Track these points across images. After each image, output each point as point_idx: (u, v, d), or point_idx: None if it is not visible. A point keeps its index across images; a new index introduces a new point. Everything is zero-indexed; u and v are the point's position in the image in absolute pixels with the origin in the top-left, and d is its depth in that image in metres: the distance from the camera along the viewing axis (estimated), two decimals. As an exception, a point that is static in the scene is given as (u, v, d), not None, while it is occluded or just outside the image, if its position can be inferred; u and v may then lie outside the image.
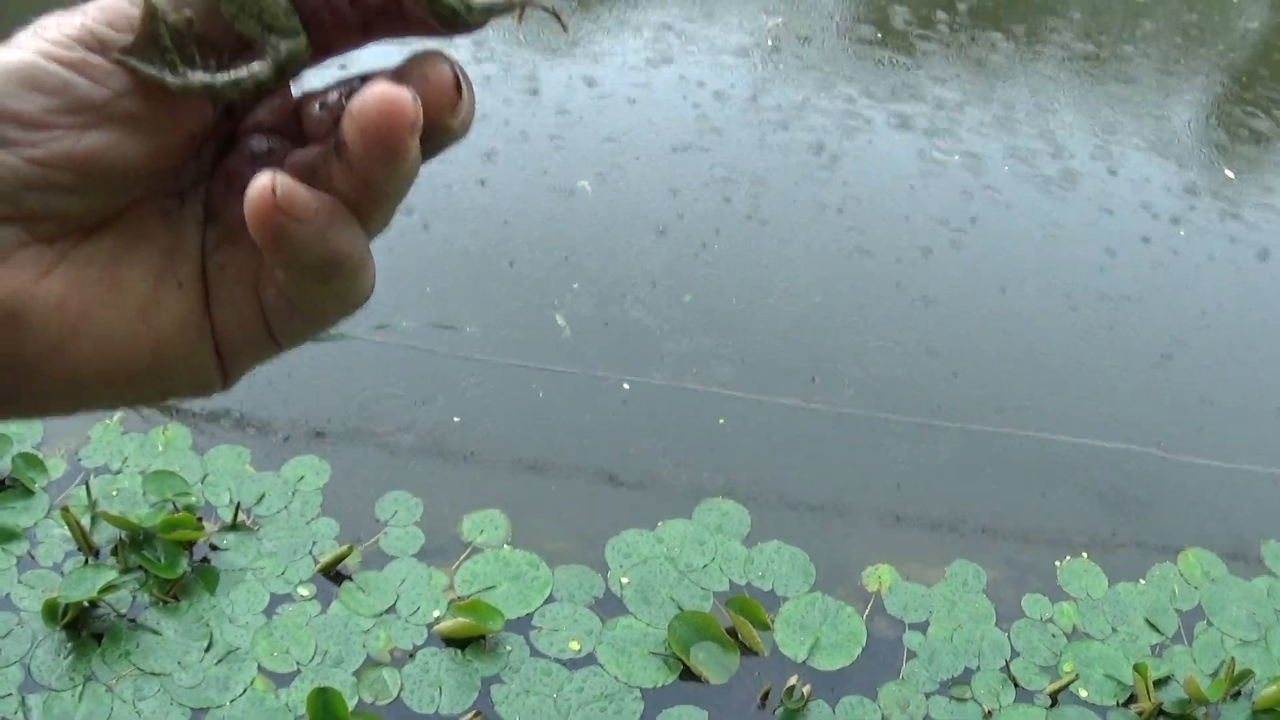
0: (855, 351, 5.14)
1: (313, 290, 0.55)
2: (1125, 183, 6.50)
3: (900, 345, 5.20)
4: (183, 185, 0.57)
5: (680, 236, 5.63)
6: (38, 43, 0.53)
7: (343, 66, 0.60)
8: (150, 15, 0.54)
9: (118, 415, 4.16)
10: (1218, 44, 8.65)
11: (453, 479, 4.37)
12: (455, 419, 4.51)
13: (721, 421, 4.71)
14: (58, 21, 0.54)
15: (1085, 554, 4.33)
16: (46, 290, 0.54)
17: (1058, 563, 4.29)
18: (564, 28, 0.66)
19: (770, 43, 7.60)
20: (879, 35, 7.73)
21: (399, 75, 0.53)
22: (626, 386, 4.73)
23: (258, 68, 0.54)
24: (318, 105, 0.58)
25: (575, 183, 5.83)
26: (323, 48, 0.58)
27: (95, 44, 0.53)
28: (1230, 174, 7.06)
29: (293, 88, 0.58)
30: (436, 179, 5.58)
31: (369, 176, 0.52)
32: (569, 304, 5.08)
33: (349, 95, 0.55)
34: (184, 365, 0.57)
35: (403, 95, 0.50)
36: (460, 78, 0.54)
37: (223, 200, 0.57)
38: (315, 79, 0.59)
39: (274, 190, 0.50)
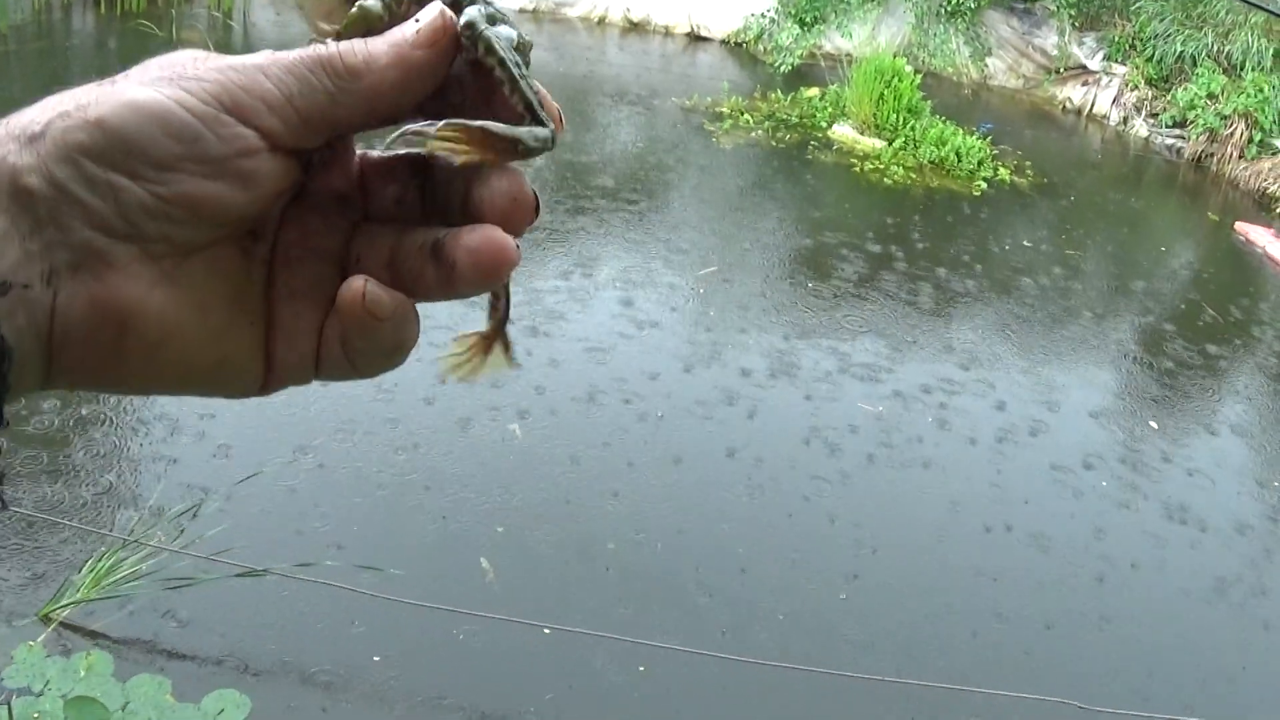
0: (772, 600, 5.45)
1: (375, 360, 0.67)
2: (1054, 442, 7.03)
3: (816, 595, 5.54)
4: (257, 225, 0.67)
5: (604, 481, 6.02)
6: (176, 90, 0.61)
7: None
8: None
9: (41, 638, 4.36)
10: (1143, 292, 9.27)
11: (372, 718, 4.54)
12: (375, 658, 4.72)
13: (642, 669, 4.95)
14: (196, 72, 0.63)
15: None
16: (150, 302, 0.63)
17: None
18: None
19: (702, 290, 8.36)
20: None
21: (493, 195, 0.66)
22: (547, 631, 4.98)
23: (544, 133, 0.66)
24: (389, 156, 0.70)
25: (506, 427, 6.28)
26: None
27: (230, 104, 0.62)
28: (1154, 424, 7.69)
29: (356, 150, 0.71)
30: (379, 418, 6.04)
31: (466, 290, 0.66)
32: (494, 548, 5.40)
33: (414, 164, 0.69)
34: (238, 379, 0.68)
35: (510, 246, 0.64)
36: (538, 201, 0.67)
37: (299, 253, 0.68)
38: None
39: (364, 296, 0.64)
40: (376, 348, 0.66)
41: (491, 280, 0.66)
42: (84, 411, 5.87)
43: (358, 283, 0.65)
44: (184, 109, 0.61)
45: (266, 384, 0.69)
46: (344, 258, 0.70)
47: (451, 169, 0.68)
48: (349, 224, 0.70)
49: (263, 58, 0.64)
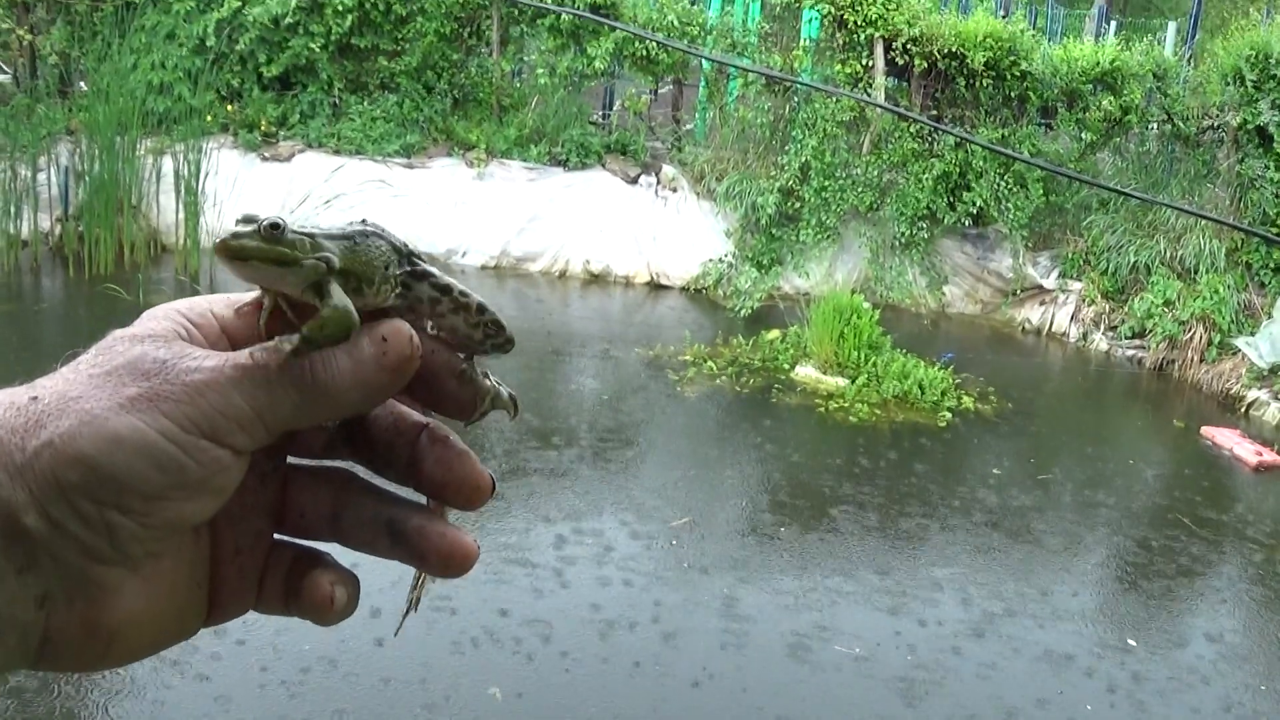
0: None
1: (313, 621, 0.78)
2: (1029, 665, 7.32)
3: None
4: None
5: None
6: (156, 417, 0.67)
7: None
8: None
9: None
10: (1117, 509, 9.68)
11: None
12: None
13: None
14: (170, 389, 0.69)
15: None
16: (133, 611, 0.69)
17: None
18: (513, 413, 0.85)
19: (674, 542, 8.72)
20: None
21: (457, 482, 0.78)
22: None
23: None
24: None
25: (486, 690, 6.55)
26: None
27: (208, 430, 0.68)
28: (1132, 642, 7.98)
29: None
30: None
31: (430, 573, 0.79)
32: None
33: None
34: (186, 633, 0.76)
35: (475, 549, 0.77)
36: (495, 483, 0.79)
37: (239, 512, 0.76)
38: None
39: (332, 600, 0.76)
40: (322, 621, 0.77)
41: (458, 572, 0.78)
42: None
43: (325, 587, 0.76)
44: (168, 440, 0.67)
45: (206, 625, 0.78)
46: (278, 509, 0.79)
47: (390, 427, 0.79)
48: (280, 474, 0.79)
49: (232, 369, 0.70)
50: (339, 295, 0.73)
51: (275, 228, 0.72)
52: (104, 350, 0.71)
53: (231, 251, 0.72)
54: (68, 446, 0.65)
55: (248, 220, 0.73)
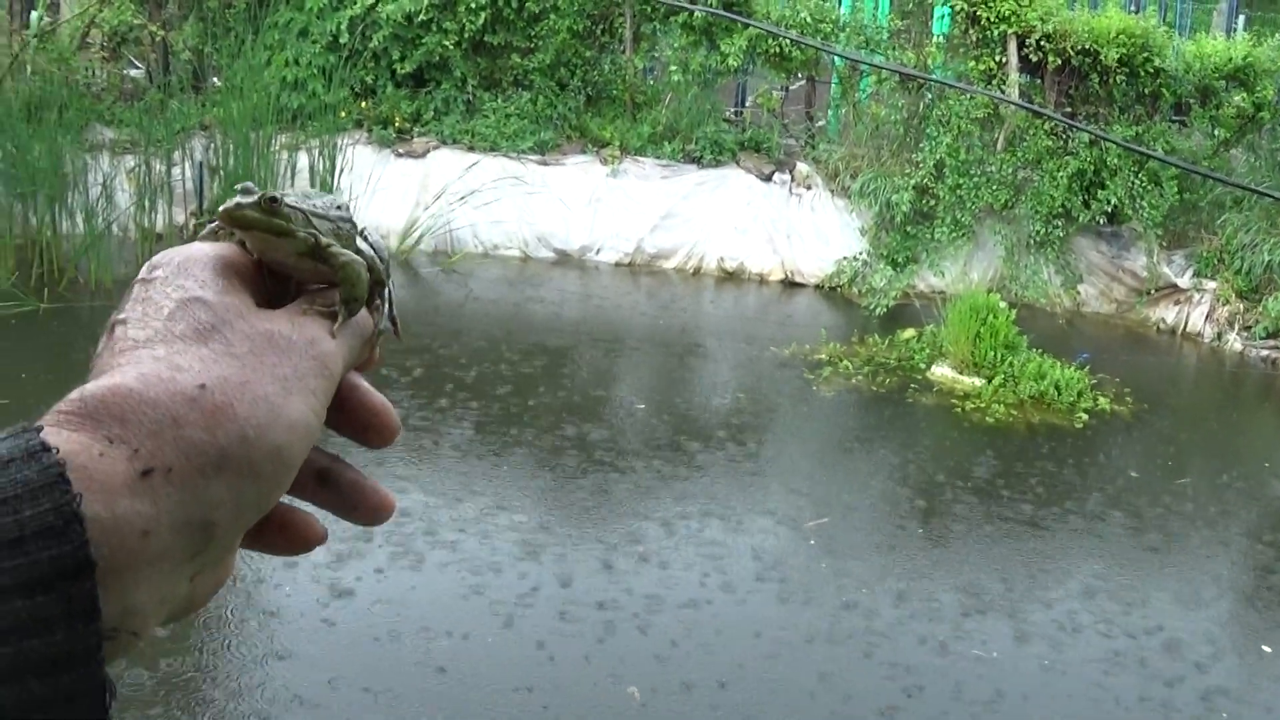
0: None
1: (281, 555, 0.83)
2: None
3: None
4: None
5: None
6: (312, 399, 0.73)
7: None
8: None
9: None
10: (1254, 511, 10.11)
11: None
12: None
13: None
14: (309, 364, 0.74)
15: None
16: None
17: None
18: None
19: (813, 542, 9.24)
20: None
21: (374, 415, 0.82)
22: None
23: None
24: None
25: (626, 689, 7.06)
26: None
27: (329, 399, 0.75)
28: (1267, 648, 8.37)
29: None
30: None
31: (353, 521, 0.83)
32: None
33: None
34: None
35: (394, 505, 0.83)
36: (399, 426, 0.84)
37: None
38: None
39: (324, 536, 0.81)
40: (294, 554, 0.81)
41: (378, 520, 0.83)
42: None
43: (317, 525, 0.80)
44: (317, 417, 0.74)
45: None
46: None
47: None
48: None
49: (340, 333, 0.78)
50: (343, 252, 0.82)
51: (274, 200, 0.80)
52: (222, 325, 0.73)
53: (234, 220, 0.80)
54: (263, 439, 0.69)
55: (247, 191, 0.81)
